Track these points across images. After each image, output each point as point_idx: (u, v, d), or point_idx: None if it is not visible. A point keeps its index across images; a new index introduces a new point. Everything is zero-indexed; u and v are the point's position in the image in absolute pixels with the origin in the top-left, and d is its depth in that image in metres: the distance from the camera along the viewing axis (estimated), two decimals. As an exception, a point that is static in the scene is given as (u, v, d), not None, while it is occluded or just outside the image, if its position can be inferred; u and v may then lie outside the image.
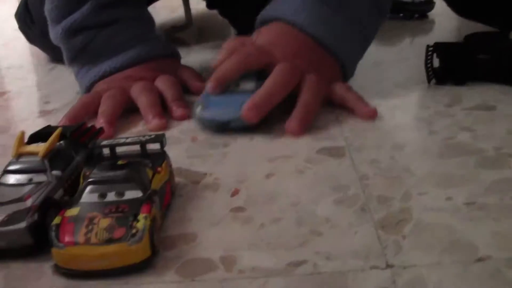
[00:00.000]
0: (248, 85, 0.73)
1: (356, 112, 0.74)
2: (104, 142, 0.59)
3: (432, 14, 1.30)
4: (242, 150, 0.67)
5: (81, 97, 0.84)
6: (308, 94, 0.72)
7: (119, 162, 0.55)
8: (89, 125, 0.67)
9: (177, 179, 0.61)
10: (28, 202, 0.52)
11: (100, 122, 0.75)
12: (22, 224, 0.50)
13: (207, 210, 0.56)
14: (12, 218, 0.50)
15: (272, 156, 0.65)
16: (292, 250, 0.48)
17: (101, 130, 0.66)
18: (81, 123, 0.66)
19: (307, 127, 0.71)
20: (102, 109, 0.78)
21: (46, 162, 0.56)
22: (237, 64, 0.74)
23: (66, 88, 0.99)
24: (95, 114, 0.80)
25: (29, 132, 0.61)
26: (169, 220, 0.54)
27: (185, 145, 0.69)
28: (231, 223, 0.53)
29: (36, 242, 0.50)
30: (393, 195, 0.55)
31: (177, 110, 0.78)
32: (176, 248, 0.50)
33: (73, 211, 0.50)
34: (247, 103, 0.69)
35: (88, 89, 0.87)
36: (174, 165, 0.60)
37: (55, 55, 1.15)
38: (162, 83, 0.82)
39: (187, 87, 0.87)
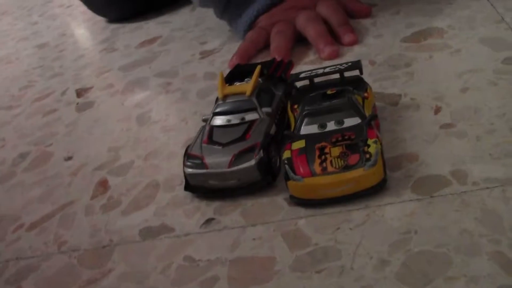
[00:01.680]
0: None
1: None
2: (303, 74, 0.61)
3: None
4: (426, 68, 0.69)
5: (248, 34, 0.87)
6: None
7: (328, 92, 0.57)
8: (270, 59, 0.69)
9: (375, 102, 0.63)
10: (251, 141, 0.55)
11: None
12: (252, 162, 0.53)
13: (417, 129, 0.58)
14: (240, 157, 0.54)
15: (457, 71, 0.66)
16: (518, 159, 0.50)
17: (291, 63, 0.69)
18: (272, 59, 0.68)
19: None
20: (274, 45, 0.81)
21: (254, 100, 0.58)
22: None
23: (216, 27, 1.03)
24: (263, 49, 0.83)
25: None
26: (383, 142, 0.56)
27: (366, 69, 0.71)
28: (446, 139, 0.55)
29: (263, 177, 0.54)
30: None
31: (345, 36, 0.80)
32: (402, 169, 0.53)
33: (299, 144, 0.53)
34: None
35: (247, 32, 0.89)
36: (364, 90, 0.63)
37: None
38: (325, 9, 0.84)
39: (348, 11, 0.88)
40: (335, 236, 0.48)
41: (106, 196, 0.62)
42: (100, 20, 1.29)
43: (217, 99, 0.61)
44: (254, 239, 0.50)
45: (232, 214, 0.54)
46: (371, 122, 0.53)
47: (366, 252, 0.45)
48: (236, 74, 0.65)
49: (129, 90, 0.86)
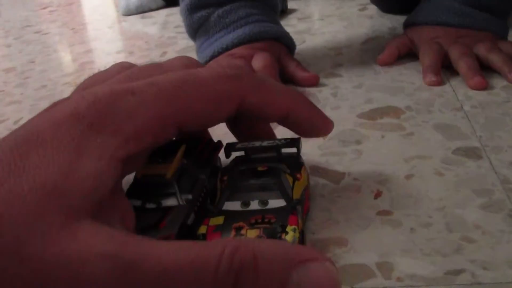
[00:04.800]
0: None
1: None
2: (239, 145, 0.58)
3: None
4: (376, 148, 0.68)
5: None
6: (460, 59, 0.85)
7: (259, 169, 0.54)
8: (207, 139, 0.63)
9: (316, 178, 0.61)
10: (165, 231, 0.49)
11: None
12: None
13: (353, 212, 0.56)
14: None
15: (406, 156, 0.65)
16: (447, 258, 0.49)
17: (219, 145, 0.63)
18: (200, 138, 0.62)
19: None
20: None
21: (174, 184, 0.52)
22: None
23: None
24: None
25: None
26: (316, 221, 0.55)
27: (316, 142, 0.70)
28: (380, 227, 0.54)
29: None
30: (540, 201, 0.55)
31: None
32: (329, 253, 0.51)
33: (217, 220, 0.50)
34: None
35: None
36: (310, 163, 0.62)
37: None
38: (258, 63, 0.83)
39: (293, 79, 0.88)
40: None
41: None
42: (72, 52, 1.28)
43: (134, 178, 0.54)
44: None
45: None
46: (296, 207, 0.50)
47: None
48: (162, 150, 0.56)
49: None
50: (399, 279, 0.47)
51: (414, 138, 0.69)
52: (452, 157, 0.64)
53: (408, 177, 0.61)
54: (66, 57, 1.27)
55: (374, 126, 0.73)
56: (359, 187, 0.60)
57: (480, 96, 0.79)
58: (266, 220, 0.49)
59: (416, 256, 0.50)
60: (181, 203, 0.52)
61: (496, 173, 0.60)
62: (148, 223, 0.49)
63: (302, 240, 0.50)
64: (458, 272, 0.47)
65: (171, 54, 1.16)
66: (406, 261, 0.49)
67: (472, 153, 0.64)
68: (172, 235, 0.48)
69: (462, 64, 0.83)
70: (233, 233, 0.49)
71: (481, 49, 0.85)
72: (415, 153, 0.66)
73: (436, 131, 0.70)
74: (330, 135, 0.66)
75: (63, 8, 1.84)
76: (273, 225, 0.49)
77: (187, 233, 0.50)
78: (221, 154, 0.60)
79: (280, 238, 0.47)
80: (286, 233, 0.48)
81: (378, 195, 0.58)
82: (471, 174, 0.60)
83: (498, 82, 0.83)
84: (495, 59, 0.83)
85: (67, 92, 1.01)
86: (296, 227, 0.48)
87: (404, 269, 0.48)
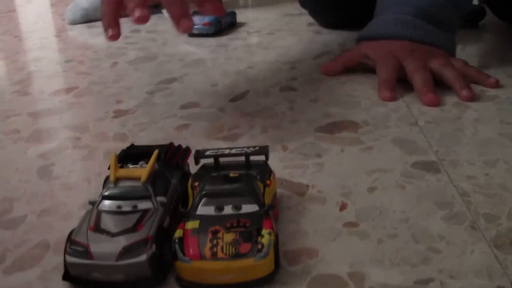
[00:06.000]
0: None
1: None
2: (209, 152, 0.59)
3: (482, 23, 1.32)
4: (337, 161, 0.69)
5: None
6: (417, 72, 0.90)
7: (231, 175, 0.56)
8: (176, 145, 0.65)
9: (281, 190, 0.62)
10: (143, 233, 0.50)
11: None
12: (143, 257, 0.48)
13: (320, 224, 0.57)
14: (130, 250, 0.48)
15: (367, 169, 0.67)
16: (416, 267, 0.50)
17: (188, 150, 0.65)
18: (170, 143, 0.64)
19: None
20: None
21: (149, 187, 0.54)
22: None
23: (135, 86, 1.01)
24: None
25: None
26: (285, 233, 0.56)
27: (277, 154, 0.71)
28: (348, 238, 0.55)
29: (154, 274, 0.49)
30: (498, 213, 0.57)
31: None
32: (301, 263, 0.52)
33: (193, 224, 0.51)
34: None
35: None
36: (273, 175, 0.62)
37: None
38: None
39: None
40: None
41: (-10, 250, 0.57)
42: (18, 60, 1.25)
43: (105, 181, 0.56)
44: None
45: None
46: (269, 212, 0.52)
47: None
48: (132, 154, 0.60)
49: (35, 139, 0.83)
50: (371, 288, 0.48)
51: (374, 152, 0.71)
52: (411, 171, 0.66)
53: (371, 189, 0.63)
54: (11, 65, 1.25)
55: (334, 139, 0.75)
56: (324, 199, 0.62)
57: (433, 112, 0.81)
58: (241, 224, 0.51)
59: (386, 266, 0.51)
60: (156, 206, 0.53)
61: (454, 186, 0.62)
62: (127, 225, 0.51)
63: (276, 243, 0.51)
64: (427, 281, 0.49)
65: (122, 64, 1.16)
66: (377, 271, 0.50)
67: (430, 167, 0.66)
68: (150, 237, 0.50)
69: (417, 79, 0.86)
70: (209, 236, 0.50)
71: (436, 64, 0.88)
72: (375, 166, 0.67)
73: (394, 146, 0.72)
74: (290, 147, 0.68)
75: (4, 14, 1.80)
76: (249, 229, 0.50)
77: (164, 235, 0.51)
78: (190, 160, 0.60)
79: (256, 241, 0.49)
80: (262, 236, 0.49)
81: (343, 207, 0.60)
82: (431, 187, 0.62)
83: (449, 99, 0.86)
84: (448, 74, 0.86)
85: (16, 101, 1.00)
86: (271, 230, 0.50)
87: (375, 279, 0.49)
